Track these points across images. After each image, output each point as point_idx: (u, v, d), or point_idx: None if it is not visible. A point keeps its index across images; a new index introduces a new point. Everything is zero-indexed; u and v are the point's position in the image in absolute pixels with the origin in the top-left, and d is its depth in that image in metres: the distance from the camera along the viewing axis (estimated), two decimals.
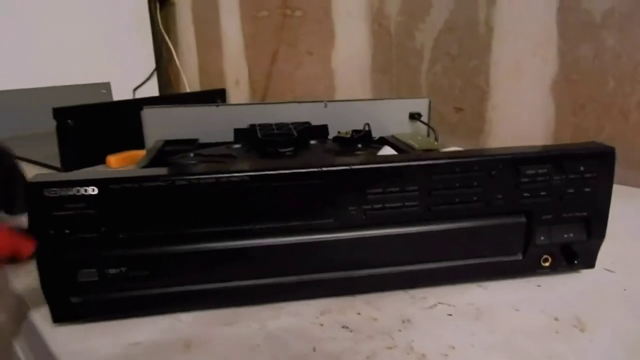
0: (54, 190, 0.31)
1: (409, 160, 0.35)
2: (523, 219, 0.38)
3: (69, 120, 0.73)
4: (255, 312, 0.36)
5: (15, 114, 1.07)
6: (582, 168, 0.36)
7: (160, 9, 1.40)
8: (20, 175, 0.41)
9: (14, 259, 0.29)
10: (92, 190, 0.31)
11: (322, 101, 0.70)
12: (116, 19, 1.24)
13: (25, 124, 1.06)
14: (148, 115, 0.65)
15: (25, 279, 0.40)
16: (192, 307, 0.36)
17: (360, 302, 0.37)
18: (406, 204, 0.35)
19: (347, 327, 0.34)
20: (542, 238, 0.38)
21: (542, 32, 0.69)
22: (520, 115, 0.75)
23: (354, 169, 0.34)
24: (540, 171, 0.36)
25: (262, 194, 0.34)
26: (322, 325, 0.35)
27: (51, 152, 0.79)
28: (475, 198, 0.36)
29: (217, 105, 0.68)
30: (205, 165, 0.48)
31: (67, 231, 0.32)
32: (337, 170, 0.34)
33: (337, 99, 1.01)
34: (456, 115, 0.83)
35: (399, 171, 0.35)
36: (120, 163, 0.78)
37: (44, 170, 0.80)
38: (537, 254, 0.38)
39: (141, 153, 0.78)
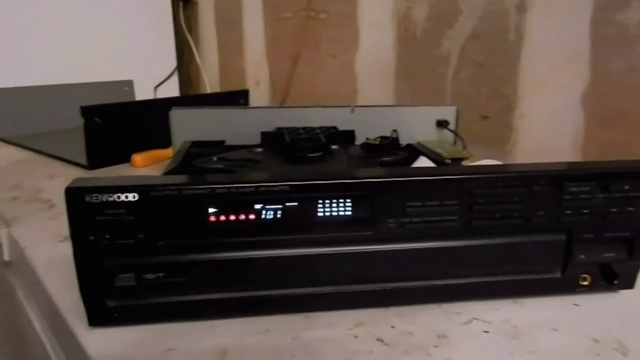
0: (96, 196, 0.31)
1: (451, 174, 0.35)
2: (563, 237, 0.37)
3: (97, 118, 0.74)
4: (287, 321, 0.36)
5: (40, 110, 1.08)
6: (627, 187, 0.35)
7: (184, 8, 1.40)
8: None
9: None
10: (133, 197, 0.31)
11: (348, 106, 0.69)
12: (139, 17, 1.25)
13: (50, 120, 1.07)
14: (176, 115, 0.65)
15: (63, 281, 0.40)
16: (226, 315, 0.36)
17: (393, 314, 0.37)
18: (445, 217, 0.35)
19: (382, 340, 0.34)
20: (581, 256, 0.37)
21: (574, 43, 0.68)
22: (549, 125, 0.74)
23: (397, 181, 0.34)
24: (583, 189, 0.35)
25: (301, 203, 0.34)
26: (356, 337, 0.34)
27: (76, 149, 0.80)
28: (515, 214, 0.35)
29: (244, 108, 0.68)
30: (245, 174, 0.48)
31: (107, 236, 0.32)
32: (380, 181, 0.34)
33: (359, 103, 1.01)
34: (481, 123, 0.82)
35: (440, 184, 0.34)
36: (145, 162, 0.78)
37: (70, 167, 0.81)
38: (575, 272, 0.38)
39: (166, 152, 0.79)
